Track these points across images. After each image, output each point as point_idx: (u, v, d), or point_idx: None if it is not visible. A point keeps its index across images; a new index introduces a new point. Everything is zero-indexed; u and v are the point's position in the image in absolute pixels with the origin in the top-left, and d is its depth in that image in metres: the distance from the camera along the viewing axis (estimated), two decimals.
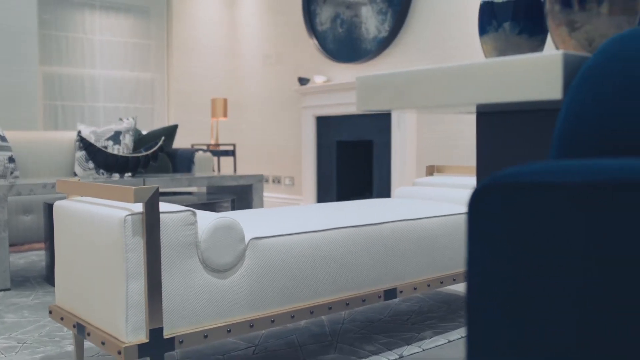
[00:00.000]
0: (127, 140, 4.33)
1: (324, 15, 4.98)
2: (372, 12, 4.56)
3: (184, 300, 1.42)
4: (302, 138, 5.08)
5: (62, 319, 1.61)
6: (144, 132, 4.60)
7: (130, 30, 5.46)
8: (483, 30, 1.04)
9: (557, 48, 0.96)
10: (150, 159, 3.24)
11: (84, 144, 3.13)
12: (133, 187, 1.32)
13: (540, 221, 0.54)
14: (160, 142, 3.29)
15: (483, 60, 0.81)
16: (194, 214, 1.44)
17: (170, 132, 4.49)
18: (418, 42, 4.25)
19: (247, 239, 1.54)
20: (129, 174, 3.29)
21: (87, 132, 4.28)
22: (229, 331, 1.49)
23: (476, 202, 0.59)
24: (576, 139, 0.68)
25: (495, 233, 0.58)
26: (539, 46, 1.04)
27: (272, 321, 1.57)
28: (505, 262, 0.57)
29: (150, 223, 1.35)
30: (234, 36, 6.00)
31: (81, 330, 1.51)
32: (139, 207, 1.38)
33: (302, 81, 4.98)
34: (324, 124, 4.93)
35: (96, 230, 1.44)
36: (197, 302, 1.45)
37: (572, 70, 0.74)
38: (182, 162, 4.46)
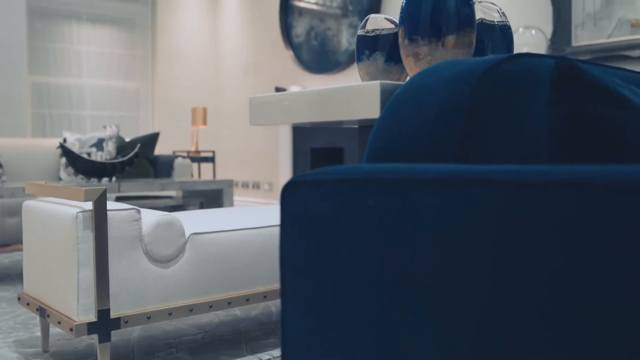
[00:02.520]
0: (110, 147, 4.56)
1: (300, 28, 5.22)
2: (344, 25, 4.80)
3: (129, 286, 1.65)
4: (279, 145, 5.31)
5: (28, 304, 1.84)
6: (128, 139, 4.82)
7: (116, 41, 5.70)
8: (358, 58, 1.27)
9: (409, 74, 1.19)
10: (126, 165, 3.47)
11: (64, 151, 3.35)
12: (84, 189, 1.55)
13: (325, 214, 0.77)
14: (136, 150, 3.51)
15: (331, 88, 1.04)
16: (139, 211, 1.66)
17: (151, 139, 4.72)
18: None
19: (187, 234, 1.76)
20: (107, 178, 3.51)
21: (72, 139, 4.50)
22: (170, 314, 1.71)
23: (282, 197, 0.81)
24: (377, 148, 0.91)
25: (291, 226, 0.80)
26: (404, 71, 1.27)
27: (210, 306, 1.79)
28: (303, 251, 0.80)
29: (99, 219, 1.58)
30: (215, 47, 6.23)
31: (42, 313, 1.73)
32: (89, 206, 1.61)
33: (279, 91, 5.22)
34: (300, 132, 5.16)
35: (54, 226, 1.66)
36: (141, 288, 1.67)
37: (389, 95, 0.97)
38: (162, 167, 4.69)
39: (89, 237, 1.57)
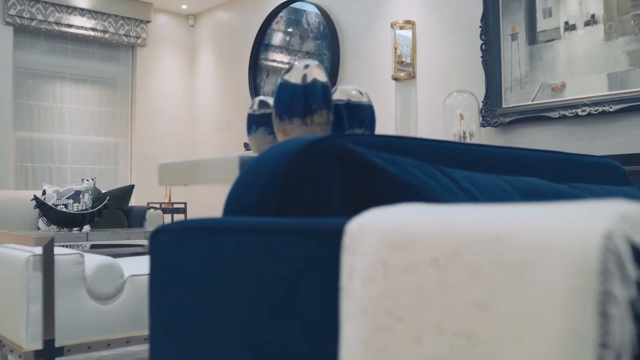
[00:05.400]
0: (86, 198, 4.86)
1: (267, 87, 5.60)
2: None
3: (72, 320, 1.94)
4: None
5: None
6: (105, 191, 5.14)
7: (97, 99, 6.07)
8: (249, 132, 1.60)
9: None
10: (95, 216, 3.77)
11: (37, 203, 3.66)
12: (34, 236, 1.86)
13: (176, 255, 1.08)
14: (105, 202, 3.82)
15: (208, 158, 1.36)
16: (82, 256, 1.96)
17: (126, 191, 5.04)
18: None
19: (126, 275, 2.06)
20: (77, 228, 3.81)
21: (50, 191, 4.81)
22: (109, 345, 2.00)
23: (149, 242, 1.12)
24: (229, 203, 1.22)
25: (154, 263, 1.11)
26: None
27: (145, 339, 2.07)
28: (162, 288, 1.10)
29: (47, 262, 1.88)
30: (190, 105, 6.62)
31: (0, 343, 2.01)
32: (39, 250, 1.91)
33: (247, 146, 5.57)
34: None
35: (9, 267, 1.96)
36: (83, 321, 1.96)
37: (246, 164, 1.29)
38: (135, 218, 4.99)
39: (38, 277, 1.87)
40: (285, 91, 1.45)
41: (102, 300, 1.99)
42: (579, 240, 0.55)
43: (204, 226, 1.02)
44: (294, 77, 1.43)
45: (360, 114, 1.59)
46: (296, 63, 1.47)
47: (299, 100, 1.43)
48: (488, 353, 0.59)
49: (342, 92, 1.59)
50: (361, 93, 1.61)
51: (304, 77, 1.42)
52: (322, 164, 1.10)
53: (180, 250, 1.05)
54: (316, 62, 1.45)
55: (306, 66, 1.42)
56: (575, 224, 0.57)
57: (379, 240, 0.71)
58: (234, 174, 1.27)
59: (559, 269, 0.55)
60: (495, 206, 0.67)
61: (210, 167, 1.34)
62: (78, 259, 1.94)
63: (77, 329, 1.93)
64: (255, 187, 1.17)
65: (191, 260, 1.02)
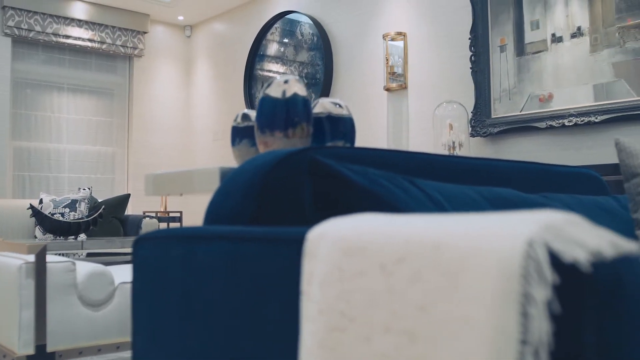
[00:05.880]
0: (82, 207, 4.92)
1: None
2: None
3: (64, 326, 1.99)
4: None
5: None
6: (101, 200, 5.19)
7: (95, 109, 6.14)
8: (233, 143, 1.66)
9: None
10: (90, 224, 3.83)
11: (33, 212, 3.71)
12: (27, 244, 1.91)
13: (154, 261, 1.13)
14: (100, 211, 3.88)
15: (192, 169, 1.42)
16: (74, 263, 2.02)
17: (122, 200, 5.09)
18: None
19: (117, 283, 2.11)
20: (72, 236, 3.86)
21: (47, 200, 4.87)
22: (99, 350, 2.05)
23: (132, 248, 1.18)
24: (209, 213, 1.28)
25: (137, 269, 1.16)
26: None
27: None
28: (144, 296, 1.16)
29: (39, 269, 1.93)
30: (187, 115, 6.69)
31: None
32: (32, 258, 1.97)
33: None
34: None
35: (3, 274, 2.01)
36: (74, 327, 2.01)
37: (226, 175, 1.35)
38: (131, 227, 5.04)
39: (30, 284, 1.92)
40: (267, 105, 1.50)
41: (93, 306, 2.04)
42: (505, 247, 0.60)
43: (182, 234, 1.08)
44: (275, 92, 1.49)
45: (341, 126, 1.65)
46: (277, 77, 1.53)
47: (280, 113, 1.49)
48: (428, 351, 0.64)
49: (323, 106, 1.64)
50: (341, 106, 1.67)
51: (284, 91, 1.48)
52: (296, 175, 1.16)
53: (160, 257, 1.11)
54: (296, 77, 1.51)
55: (286, 81, 1.48)
56: (504, 232, 0.62)
57: (335, 248, 0.76)
58: (215, 184, 1.33)
59: (487, 273, 0.61)
60: (438, 216, 0.73)
61: (193, 178, 1.40)
62: (70, 267, 1.99)
63: (69, 335, 1.98)
64: (233, 197, 1.23)
65: (170, 266, 1.07)
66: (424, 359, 0.65)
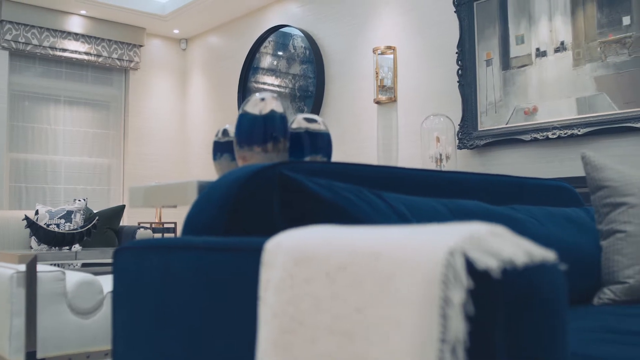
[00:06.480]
0: (78, 218, 4.99)
1: None
2: (293, 109, 5.34)
3: (54, 333, 2.05)
4: None
5: None
6: (97, 211, 5.26)
7: (91, 121, 6.22)
8: (214, 158, 1.73)
9: None
10: (84, 235, 3.89)
11: (28, 222, 3.78)
12: (18, 254, 1.98)
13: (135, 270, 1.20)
14: (94, 222, 3.95)
15: (171, 183, 1.49)
16: (64, 273, 2.09)
17: (117, 211, 5.16)
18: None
19: (105, 291, 2.18)
20: (66, 247, 3.93)
21: (43, 211, 4.94)
22: (88, 357, 2.11)
23: (113, 258, 1.25)
24: (186, 224, 1.35)
25: (117, 276, 1.23)
26: None
27: None
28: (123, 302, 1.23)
29: (29, 278, 2.00)
30: (182, 127, 6.77)
31: None
32: (23, 267, 2.03)
33: None
34: None
35: None
36: (64, 335, 2.07)
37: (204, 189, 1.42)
38: (126, 237, 5.11)
39: (21, 293, 1.99)
40: (245, 121, 1.58)
41: (82, 314, 2.10)
42: (430, 256, 0.68)
43: (158, 245, 1.15)
44: (252, 108, 1.56)
45: (319, 141, 1.72)
46: (257, 95, 1.61)
47: (258, 129, 1.57)
48: (365, 350, 0.71)
49: (301, 121, 1.72)
50: (317, 122, 1.74)
51: (262, 108, 1.56)
52: (266, 189, 1.23)
53: (138, 266, 1.18)
54: (273, 95, 1.59)
55: (263, 99, 1.56)
56: (432, 242, 0.70)
57: (288, 257, 0.84)
58: (193, 197, 1.40)
59: (414, 279, 0.68)
60: (380, 228, 0.80)
61: (172, 191, 1.47)
62: (59, 276, 2.06)
63: (58, 342, 2.04)
64: (208, 209, 1.30)
65: (147, 275, 1.14)
66: (361, 357, 0.72)
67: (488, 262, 0.65)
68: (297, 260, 0.82)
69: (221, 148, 1.71)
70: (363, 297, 0.73)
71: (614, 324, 1.26)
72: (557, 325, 0.69)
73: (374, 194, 1.31)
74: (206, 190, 1.35)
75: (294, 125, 1.71)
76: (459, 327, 0.65)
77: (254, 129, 1.57)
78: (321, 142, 1.73)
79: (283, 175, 1.19)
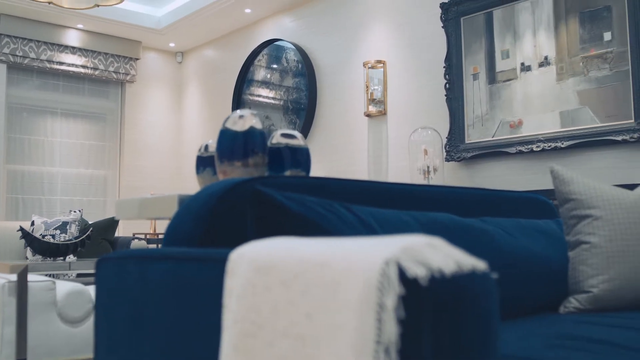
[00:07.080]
0: (73, 229, 5.05)
1: None
2: (285, 122, 5.42)
3: (44, 341, 2.12)
4: None
5: None
6: (92, 222, 5.33)
7: (87, 133, 6.30)
8: (197, 171, 1.81)
9: None
10: (78, 246, 3.96)
11: (23, 233, 3.85)
12: (10, 264, 2.05)
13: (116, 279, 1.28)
14: (88, 233, 4.02)
15: (154, 197, 1.56)
16: (54, 282, 2.16)
17: (112, 222, 5.23)
18: (319, 150, 5.08)
19: (94, 301, 2.25)
20: (61, 257, 4.00)
21: (39, 222, 5.00)
22: None
23: (95, 267, 1.32)
24: (167, 235, 1.42)
25: (99, 285, 1.30)
26: None
27: None
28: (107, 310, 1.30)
29: (21, 288, 2.07)
30: (177, 139, 6.85)
31: None
32: (14, 277, 2.10)
33: None
34: None
35: None
36: (54, 343, 2.14)
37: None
38: (120, 248, 5.18)
39: (12, 302, 2.06)
40: (226, 137, 1.65)
41: (72, 323, 2.17)
42: (369, 265, 0.75)
43: (137, 255, 1.22)
44: (232, 125, 1.64)
45: (298, 155, 1.79)
46: (237, 112, 1.69)
47: (238, 145, 1.64)
48: (315, 352, 0.79)
49: (280, 137, 1.80)
50: (296, 137, 1.82)
51: (241, 125, 1.64)
52: (240, 203, 1.30)
53: (118, 275, 1.25)
54: (253, 112, 1.67)
55: (241, 116, 1.63)
56: (373, 253, 0.77)
57: (250, 266, 0.91)
58: (173, 209, 1.47)
59: (355, 287, 0.75)
60: (332, 240, 0.87)
61: (155, 204, 1.54)
62: (50, 286, 2.13)
63: (48, 350, 2.11)
64: (187, 222, 1.37)
65: (126, 284, 1.22)
66: (312, 359, 0.79)
67: (417, 270, 0.72)
68: (258, 269, 0.89)
69: (204, 162, 1.78)
70: (313, 303, 0.80)
71: (570, 330, 1.33)
72: (486, 330, 0.76)
73: (344, 207, 1.38)
74: (185, 204, 1.42)
75: (274, 141, 1.78)
76: (391, 330, 0.72)
77: (235, 145, 1.64)
78: (300, 156, 1.80)
79: (256, 190, 1.27)
